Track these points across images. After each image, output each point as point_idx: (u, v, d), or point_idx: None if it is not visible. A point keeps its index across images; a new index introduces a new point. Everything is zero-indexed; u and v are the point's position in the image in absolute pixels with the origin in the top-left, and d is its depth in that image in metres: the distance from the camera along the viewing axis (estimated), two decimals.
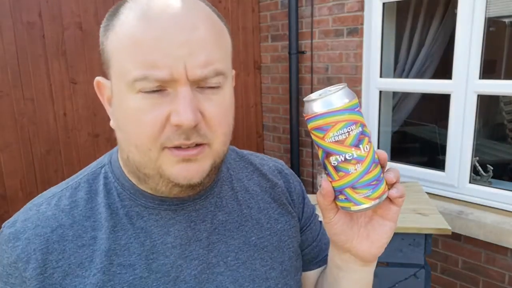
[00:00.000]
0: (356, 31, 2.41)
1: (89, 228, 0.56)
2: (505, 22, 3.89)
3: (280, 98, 2.96)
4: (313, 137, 0.51)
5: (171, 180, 0.52)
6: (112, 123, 0.57)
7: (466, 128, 2.12)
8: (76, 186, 0.59)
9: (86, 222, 0.56)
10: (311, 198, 2.11)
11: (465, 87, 2.07)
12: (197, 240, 0.59)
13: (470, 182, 2.17)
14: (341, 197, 0.52)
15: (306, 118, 0.51)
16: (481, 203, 2.12)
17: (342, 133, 0.49)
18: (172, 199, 0.58)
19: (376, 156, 0.52)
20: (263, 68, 3.02)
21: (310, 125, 0.50)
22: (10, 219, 0.57)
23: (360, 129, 0.49)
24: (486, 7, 1.96)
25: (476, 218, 2.04)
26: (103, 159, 0.63)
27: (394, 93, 2.77)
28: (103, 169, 0.61)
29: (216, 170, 0.56)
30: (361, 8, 2.37)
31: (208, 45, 0.50)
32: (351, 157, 0.49)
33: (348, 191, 0.51)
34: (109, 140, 2.21)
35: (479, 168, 2.28)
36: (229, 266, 0.60)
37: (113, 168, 0.60)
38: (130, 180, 0.58)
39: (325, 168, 0.52)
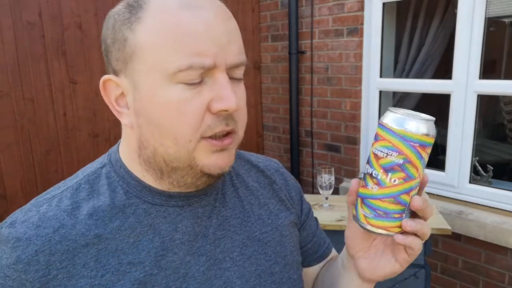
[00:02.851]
0: (356, 31, 2.41)
1: (92, 227, 0.55)
2: (505, 22, 3.89)
3: (280, 98, 2.96)
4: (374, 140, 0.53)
5: (204, 171, 0.54)
6: (127, 121, 0.55)
7: (466, 128, 2.12)
8: (77, 187, 0.58)
9: (89, 220, 0.55)
10: (311, 197, 2.11)
11: (465, 87, 2.07)
12: (204, 236, 0.60)
13: (470, 182, 2.17)
14: (356, 202, 0.54)
15: (378, 122, 0.52)
16: (481, 203, 2.12)
17: (381, 151, 0.50)
18: (179, 195, 0.59)
19: (404, 198, 0.50)
20: (263, 68, 3.02)
21: (377, 130, 0.52)
22: (7, 219, 0.56)
23: (400, 161, 0.49)
24: (486, 7, 1.96)
25: (476, 218, 2.04)
26: (102, 159, 0.62)
27: (394, 93, 2.77)
28: (104, 169, 0.60)
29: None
30: (361, 8, 2.37)
31: (238, 35, 0.54)
32: (376, 176, 0.50)
33: (359, 200, 0.53)
34: (109, 140, 2.21)
35: (479, 168, 2.28)
36: (235, 262, 0.61)
37: (116, 168, 0.60)
38: (137, 178, 0.58)
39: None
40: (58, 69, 2.04)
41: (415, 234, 0.53)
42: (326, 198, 1.86)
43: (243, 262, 0.61)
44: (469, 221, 2.04)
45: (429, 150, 0.50)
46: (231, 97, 0.50)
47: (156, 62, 0.50)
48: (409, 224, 0.51)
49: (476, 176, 2.26)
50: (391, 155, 0.49)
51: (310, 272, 0.76)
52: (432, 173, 2.31)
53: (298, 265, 0.69)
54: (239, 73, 0.54)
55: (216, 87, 0.50)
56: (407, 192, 0.50)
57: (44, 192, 0.60)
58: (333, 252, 0.81)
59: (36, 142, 2.01)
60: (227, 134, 0.53)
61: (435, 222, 1.66)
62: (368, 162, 0.52)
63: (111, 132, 2.20)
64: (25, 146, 1.97)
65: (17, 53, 1.90)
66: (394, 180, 0.49)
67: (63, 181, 0.61)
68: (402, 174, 0.49)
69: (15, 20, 1.88)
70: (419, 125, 0.48)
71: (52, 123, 2.05)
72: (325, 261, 0.78)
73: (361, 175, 0.55)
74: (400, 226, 0.51)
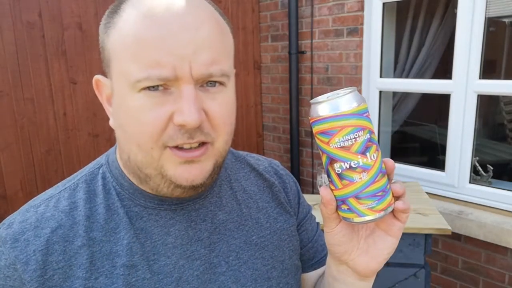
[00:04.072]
0: (356, 31, 2.41)
1: (88, 228, 0.55)
2: (505, 22, 3.89)
3: (280, 98, 2.96)
4: (317, 141, 0.49)
5: (173, 182, 0.52)
6: (111, 122, 0.56)
7: (466, 128, 2.12)
8: (74, 188, 0.58)
9: (86, 222, 0.55)
10: (311, 198, 2.11)
11: (465, 87, 2.07)
12: (198, 240, 0.59)
13: (470, 182, 2.17)
14: (344, 207, 0.49)
15: (311, 121, 0.48)
16: (481, 203, 2.12)
17: (348, 139, 0.46)
18: (172, 199, 0.58)
19: (383, 166, 0.49)
20: (263, 68, 3.02)
21: (315, 129, 0.48)
22: (5, 220, 0.56)
23: (368, 135, 0.47)
24: (486, 7, 1.96)
25: (476, 218, 2.04)
26: (100, 159, 0.62)
27: (394, 93, 2.77)
28: (100, 169, 0.60)
29: (218, 169, 0.56)
30: (361, 8, 2.37)
31: (212, 44, 0.50)
32: (357, 165, 0.46)
33: (352, 201, 0.48)
34: (109, 140, 2.21)
35: (479, 168, 2.28)
36: (230, 266, 0.60)
37: (111, 168, 0.59)
38: (129, 180, 0.58)
39: (329, 175, 0.50)
40: (58, 69, 2.04)
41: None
42: None
43: (239, 266, 0.60)
44: (469, 221, 2.04)
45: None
46: (192, 112, 0.47)
47: (121, 69, 0.50)
48: (399, 186, 0.50)
49: (476, 176, 2.26)
50: (359, 135, 0.46)
51: (306, 278, 0.74)
52: (432, 173, 2.31)
53: (296, 270, 0.68)
54: (219, 80, 0.51)
55: (180, 99, 0.48)
56: (381, 159, 0.49)
57: (42, 193, 0.59)
58: None
59: (36, 142, 2.00)
60: (200, 144, 0.51)
61: (435, 222, 1.66)
62: (332, 163, 0.48)
63: (111, 132, 2.19)
64: (25, 146, 1.97)
65: (17, 53, 1.90)
66: (373, 156, 0.47)
67: (61, 182, 0.61)
68: (374, 146, 0.47)
69: (15, 20, 1.87)
70: (355, 98, 0.47)
71: (52, 123, 2.05)
72: (322, 268, 0.74)
73: (324, 182, 0.54)
74: (393, 196, 0.50)
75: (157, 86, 0.48)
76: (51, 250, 0.52)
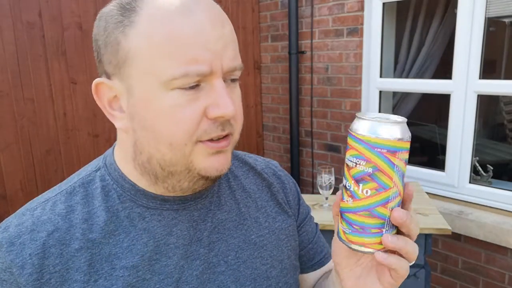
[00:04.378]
0: (356, 31, 2.41)
1: (86, 231, 0.54)
2: (505, 22, 3.89)
3: (280, 98, 2.96)
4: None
5: (201, 174, 0.53)
6: (123, 125, 0.54)
7: (466, 128, 2.12)
8: (71, 191, 0.57)
9: (83, 224, 0.54)
10: (311, 197, 2.10)
11: (465, 87, 2.07)
12: (198, 240, 0.59)
13: (470, 182, 2.17)
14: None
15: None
16: (481, 203, 2.12)
17: (351, 160, 0.46)
18: (174, 199, 0.58)
19: (383, 211, 0.45)
20: (263, 68, 3.02)
21: (347, 138, 0.48)
22: (1, 224, 0.55)
23: (369, 169, 0.44)
24: (486, 7, 1.96)
25: (476, 218, 2.04)
26: (97, 162, 0.62)
27: (394, 93, 2.77)
28: (98, 172, 0.59)
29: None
30: (361, 8, 2.37)
31: (234, 39, 0.53)
32: (349, 188, 0.47)
33: (338, 214, 0.50)
34: (109, 140, 2.21)
35: (479, 168, 2.28)
36: (230, 265, 0.60)
37: (110, 171, 0.59)
38: (131, 181, 0.57)
39: None
40: (58, 69, 2.04)
41: (400, 255, 0.47)
42: (326, 198, 1.86)
43: (238, 266, 0.60)
44: (469, 221, 2.04)
45: (403, 156, 0.45)
46: (228, 103, 0.50)
47: (150, 68, 0.49)
48: (389, 239, 0.45)
49: (476, 176, 2.26)
50: (359, 164, 0.45)
51: (305, 279, 0.74)
52: (432, 173, 2.31)
53: (295, 270, 0.68)
54: (236, 74, 0.54)
55: (213, 93, 0.50)
56: (383, 204, 0.45)
57: (39, 196, 0.59)
58: (330, 264, 0.76)
59: (36, 142, 2.00)
60: (224, 136, 0.53)
61: (435, 222, 1.66)
62: (343, 173, 0.48)
63: (111, 132, 2.20)
64: (25, 146, 1.97)
65: (17, 53, 1.90)
66: (366, 191, 0.45)
67: (58, 185, 0.60)
68: (373, 184, 0.45)
69: (15, 20, 1.87)
70: (385, 129, 0.44)
71: (52, 123, 2.05)
72: (321, 269, 0.74)
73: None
74: (381, 243, 0.46)
75: (193, 85, 0.49)
76: (48, 253, 0.52)
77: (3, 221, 0.56)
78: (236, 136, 0.55)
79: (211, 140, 0.52)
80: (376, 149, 0.44)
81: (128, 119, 0.53)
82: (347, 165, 0.47)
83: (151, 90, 0.49)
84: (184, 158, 0.52)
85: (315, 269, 0.74)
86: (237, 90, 0.55)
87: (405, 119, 0.46)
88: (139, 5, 0.50)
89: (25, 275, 0.50)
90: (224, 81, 0.51)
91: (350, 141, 0.46)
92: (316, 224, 0.78)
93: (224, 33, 0.50)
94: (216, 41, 0.49)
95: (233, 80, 0.54)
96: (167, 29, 0.48)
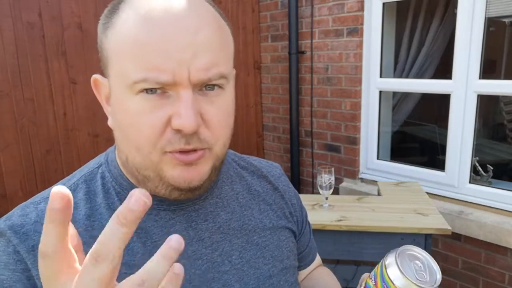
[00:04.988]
0: (356, 31, 2.41)
1: (89, 227, 0.54)
2: (505, 22, 3.89)
3: (280, 98, 2.96)
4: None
5: (171, 183, 0.52)
6: (110, 122, 0.56)
7: (466, 128, 2.12)
8: (74, 188, 0.57)
9: (86, 221, 0.55)
10: (311, 197, 2.09)
11: (465, 87, 2.07)
12: (199, 240, 0.59)
13: (470, 182, 2.17)
14: None
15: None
16: (481, 203, 2.12)
17: (372, 281, 0.49)
18: (171, 199, 0.58)
19: None
20: (263, 68, 3.02)
21: (379, 268, 0.50)
22: (4, 216, 0.55)
23: None
24: (486, 7, 1.96)
25: (476, 218, 2.04)
26: (100, 158, 0.62)
27: (394, 93, 2.77)
28: (100, 169, 0.60)
29: (217, 172, 0.56)
30: (361, 8, 2.37)
31: (212, 47, 0.49)
32: None
33: None
34: (109, 140, 2.21)
35: (479, 168, 2.28)
36: (234, 265, 0.61)
37: (110, 168, 0.59)
38: (128, 180, 0.58)
39: None
40: (58, 69, 2.04)
41: None
42: (326, 198, 1.86)
43: (242, 265, 0.61)
44: (469, 221, 2.04)
45: None
46: (187, 116, 0.47)
47: (119, 71, 0.50)
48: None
49: (476, 176, 2.26)
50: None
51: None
52: (432, 173, 2.31)
53: (294, 269, 0.70)
54: (218, 83, 0.50)
55: (177, 103, 0.48)
56: None
57: (42, 192, 0.59)
58: (317, 258, 0.83)
59: (36, 142, 2.00)
60: (197, 150, 0.51)
61: (435, 222, 1.66)
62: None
63: (111, 132, 2.18)
64: (25, 146, 1.97)
65: (17, 53, 1.90)
66: None
67: (61, 181, 0.60)
68: None
69: (15, 20, 1.87)
70: (409, 286, 0.45)
71: (52, 123, 2.05)
72: (310, 267, 0.79)
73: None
74: None
75: (155, 89, 0.48)
76: None
77: (6, 215, 0.56)
78: (216, 149, 0.52)
79: (179, 151, 0.50)
80: None
81: (111, 117, 0.55)
82: (368, 281, 0.50)
83: (121, 92, 0.50)
84: (152, 165, 0.51)
85: (305, 267, 0.79)
86: (218, 100, 0.51)
87: (437, 283, 0.46)
88: (122, 7, 0.50)
89: (30, 267, 0.50)
90: (200, 90, 0.49)
91: (378, 273, 0.48)
92: (309, 224, 0.81)
93: (195, 41, 0.47)
94: (183, 49, 0.47)
95: (214, 88, 0.51)
96: (133, 33, 0.48)
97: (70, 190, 0.57)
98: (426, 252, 0.50)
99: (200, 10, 0.50)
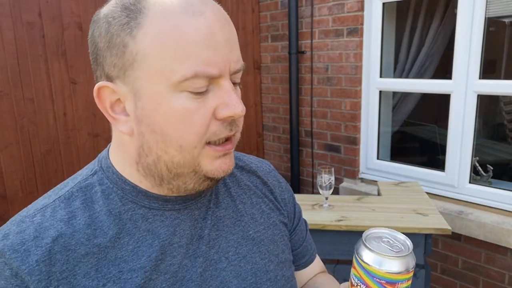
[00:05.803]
0: (356, 31, 2.41)
1: (91, 236, 0.53)
2: (505, 22, 3.89)
3: (280, 98, 2.96)
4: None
5: (208, 176, 0.54)
6: (127, 129, 0.53)
7: (466, 128, 2.12)
8: (69, 196, 0.56)
9: (87, 230, 0.54)
10: (311, 197, 2.10)
11: (465, 87, 2.07)
12: (200, 237, 0.60)
13: (470, 182, 2.17)
14: None
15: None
16: (481, 203, 2.12)
17: (353, 279, 0.50)
18: (176, 199, 0.58)
19: None
20: (263, 68, 3.02)
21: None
22: None
23: None
24: (486, 7, 1.96)
25: (476, 218, 2.04)
26: (92, 166, 0.61)
27: (394, 93, 2.77)
28: (95, 176, 0.58)
29: None
30: (361, 8, 2.37)
31: (236, 41, 0.54)
32: None
33: None
34: (109, 140, 2.20)
35: (479, 168, 2.28)
36: (230, 261, 0.61)
37: (108, 174, 0.58)
38: (132, 183, 0.57)
39: None
40: (58, 69, 2.04)
41: None
42: (326, 198, 1.86)
43: (239, 261, 0.62)
44: (469, 221, 2.04)
45: (403, 285, 0.46)
46: (237, 103, 0.51)
47: (160, 70, 0.48)
48: None
49: (476, 176, 2.26)
50: (359, 286, 0.48)
51: (296, 275, 0.76)
52: (432, 173, 2.31)
53: (290, 263, 0.70)
54: (239, 76, 0.55)
55: (222, 94, 0.51)
56: None
57: (32, 203, 0.57)
58: (317, 259, 0.81)
59: (36, 142, 2.00)
60: (228, 138, 0.54)
61: (435, 222, 1.66)
62: (349, 280, 0.52)
63: (111, 132, 2.20)
64: (25, 146, 1.97)
65: (17, 53, 1.90)
66: None
67: (51, 190, 0.59)
68: None
69: (15, 20, 1.87)
70: (387, 263, 0.46)
71: (52, 123, 2.05)
72: (308, 267, 0.79)
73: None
74: None
75: (202, 90, 0.50)
76: (54, 260, 0.51)
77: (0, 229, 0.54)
78: (238, 135, 0.57)
79: (217, 143, 0.53)
80: (375, 278, 0.46)
81: (134, 122, 0.53)
82: (351, 280, 0.51)
83: (161, 93, 0.49)
84: (192, 160, 0.53)
85: (303, 267, 0.78)
86: (238, 91, 0.56)
87: (411, 248, 0.47)
88: (145, 6, 0.49)
89: (34, 282, 0.49)
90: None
91: (354, 261, 0.49)
92: (305, 220, 0.81)
93: (230, 35, 0.51)
94: (224, 44, 0.50)
95: (236, 83, 0.55)
96: (177, 30, 0.47)
97: (65, 198, 0.55)
98: (387, 227, 0.51)
99: (219, 6, 0.53)
